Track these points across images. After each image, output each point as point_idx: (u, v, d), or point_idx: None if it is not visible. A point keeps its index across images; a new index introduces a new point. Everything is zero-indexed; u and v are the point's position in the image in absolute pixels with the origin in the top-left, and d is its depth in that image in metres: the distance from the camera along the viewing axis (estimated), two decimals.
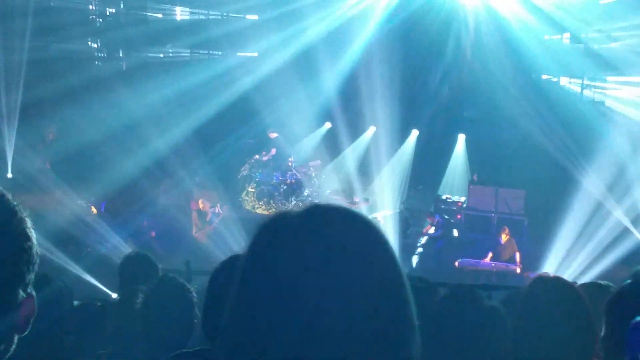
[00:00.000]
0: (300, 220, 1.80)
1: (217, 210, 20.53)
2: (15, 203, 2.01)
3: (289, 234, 1.77)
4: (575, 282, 5.66)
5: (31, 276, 2.01)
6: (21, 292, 1.99)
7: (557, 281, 5.22)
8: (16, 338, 2.04)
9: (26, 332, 2.06)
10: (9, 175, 19.43)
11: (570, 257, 16.98)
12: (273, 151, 22.36)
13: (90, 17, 22.73)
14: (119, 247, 16.03)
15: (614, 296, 3.47)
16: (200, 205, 19.72)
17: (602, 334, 3.50)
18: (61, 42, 21.57)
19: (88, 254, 15.97)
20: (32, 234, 2.03)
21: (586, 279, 14.07)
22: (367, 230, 1.81)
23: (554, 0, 20.39)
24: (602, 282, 5.78)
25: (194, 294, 4.97)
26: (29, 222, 2.01)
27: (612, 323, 3.41)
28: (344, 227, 1.79)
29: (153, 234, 18.76)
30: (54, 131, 20.93)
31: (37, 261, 2.04)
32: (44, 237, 14.62)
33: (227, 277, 1.90)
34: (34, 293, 2.05)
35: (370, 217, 1.85)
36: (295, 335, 1.71)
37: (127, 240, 16.93)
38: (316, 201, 14.10)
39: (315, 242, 1.74)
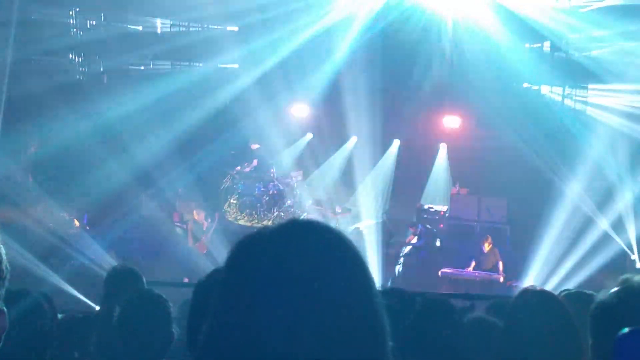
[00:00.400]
0: (275, 236, 1.84)
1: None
2: None
3: (264, 250, 1.81)
4: (556, 292, 5.68)
5: (1, 291, 2.01)
6: None
7: (543, 294, 5.25)
8: None
9: None
10: None
11: (553, 265, 17.04)
12: (255, 162, 22.39)
13: (71, 29, 22.69)
14: (102, 259, 15.98)
15: (600, 305, 3.46)
16: (195, 216, 19.74)
17: (590, 342, 3.49)
18: (42, 55, 21.53)
19: (71, 267, 15.91)
20: (1, 249, 2.03)
21: (569, 286, 14.13)
22: (340, 246, 1.86)
23: (534, 9, 20.45)
24: (587, 291, 5.82)
25: (171, 306, 4.97)
26: None
27: (600, 333, 3.39)
28: (317, 243, 1.83)
29: (136, 245, 18.72)
30: (36, 144, 20.88)
31: (7, 276, 2.04)
32: (26, 249, 14.64)
33: (209, 292, 1.91)
34: (4, 308, 2.05)
35: (345, 231, 1.87)
36: (271, 349, 1.73)
37: (109, 251, 16.89)
38: (295, 215, 14.24)
39: (289, 258, 1.78)
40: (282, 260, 1.78)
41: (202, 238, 19.39)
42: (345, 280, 1.80)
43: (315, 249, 1.81)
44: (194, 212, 19.85)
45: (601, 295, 3.41)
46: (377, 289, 1.89)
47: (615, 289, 3.34)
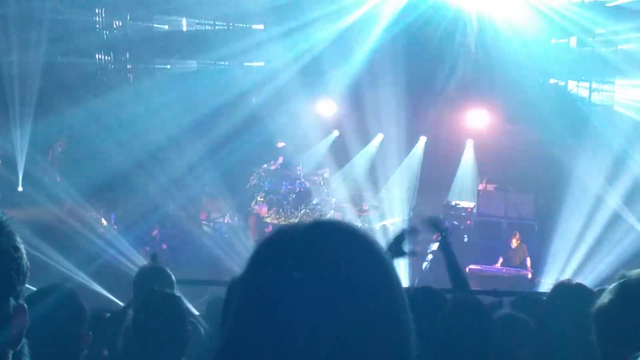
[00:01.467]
0: (298, 237, 1.83)
1: (226, 220, 20.59)
2: (3, 217, 2.04)
3: (287, 251, 1.80)
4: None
5: (22, 287, 2.03)
6: (12, 301, 2.00)
7: (579, 288, 5.20)
8: (10, 354, 2.04)
9: (18, 347, 2.07)
10: (20, 188, 19.51)
11: (580, 261, 16.97)
12: (280, 160, 22.38)
13: (98, 29, 22.82)
14: (131, 257, 16.05)
15: (598, 306, 3.35)
16: (259, 211, 19.87)
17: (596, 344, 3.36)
18: (69, 54, 21.66)
19: (99, 265, 15.99)
20: (21, 246, 2.05)
21: (595, 280, 14.08)
22: (365, 248, 1.84)
23: (559, 4, 20.36)
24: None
25: (186, 303, 4.97)
26: (17, 236, 2.03)
27: (600, 334, 3.27)
28: (341, 245, 1.82)
29: (164, 246, 18.77)
30: (63, 142, 21.01)
31: (28, 274, 2.06)
32: (53, 247, 14.74)
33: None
34: (25, 305, 2.07)
35: (371, 229, 1.87)
36: (292, 352, 1.72)
37: (138, 250, 16.95)
38: (321, 213, 14.18)
39: (312, 260, 1.77)
40: (305, 262, 1.76)
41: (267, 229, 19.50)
42: (369, 283, 1.79)
43: (338, 251, 1.79)
44: (255, 207, 20.01)
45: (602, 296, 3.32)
46: (405, 287, 1.88)
47: (613, 285, 3.26)
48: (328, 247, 1.80)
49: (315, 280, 1.74)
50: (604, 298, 3.22)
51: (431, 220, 7.28)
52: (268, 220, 21.42)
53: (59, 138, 21.03)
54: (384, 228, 19.75)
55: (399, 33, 21.78)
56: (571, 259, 17.11)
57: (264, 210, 20.16)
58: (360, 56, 22.12)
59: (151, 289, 5.89)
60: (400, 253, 6.40)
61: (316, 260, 1.76)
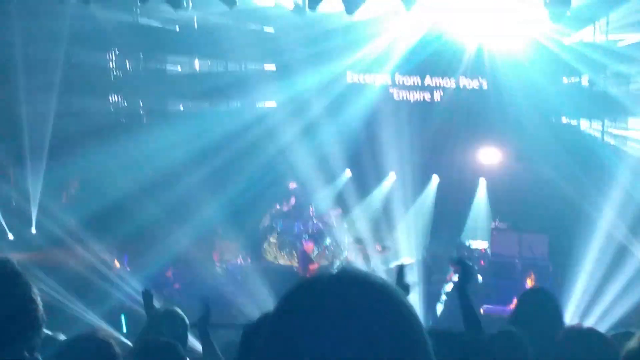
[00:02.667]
0: (327, 291, 1.82)
1: (239, 261, 20.58)
2: (19, 269, 2.03)
3: (316, 305, 1.79)
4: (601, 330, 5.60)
5: (37, 340, 2.03)
6: (26, 354, 2.00)
7: (591, 333, 5.17)
8: None
9: None
10: (33, 230, 19.56)
11: (596, 302, 16.87)
12: (292, 200, 22.39)
13: (110, 70, 22.97)
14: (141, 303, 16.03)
15: (628, 352, 3.36)
16: (306, 247, 19.92)
17: None
18: (82, 96, 21.78)
19: (113, 309, 15.99)
20: (37, 298, 2.05)
21: (611, 323, 14.01)
22: (392, 303, 1.83)
23: (570, 44, 20.42)
24: (633, 331, 5.71)
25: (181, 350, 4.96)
26: (34, 288, 2.03)
27: None
28: (368, 300, 1.80)
29: (177, 285, 18.75)
30: (76, 184, 21.08)
31: (43, 325, 2.05)
32: (67, 289, 14.76)
33: (257, 337, 1.91)
34: (39, 358, 2.06)
35: (395, 287, 1.85)
36: None
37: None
38: (334, 254, 14.09)
39: (340, 315, 1.75)
40: (333, 317, 1.75)
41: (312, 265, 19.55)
42: (398, 341, 1.77)
43: (364, 306, 1.78)
44: (305, 244, 20.09)
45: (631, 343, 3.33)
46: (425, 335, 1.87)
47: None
48: (356, 303, 1.78)
49: (345, 336, 1.72)
50: (634, 342, 3.24)
51: (458, 261, 7.15)
52: (281, 261, 21.42)
53: (72, 180, 21.11)
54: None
55: (411, 70, 21.89)
56: (587, 300, 17.01)
57: (310, 246, 20.14)
58: (372, 94, 22.20)
59: (147, 338, 5.88)
60: (405, 289, 6.36)
61: (345, 316, 1.75)
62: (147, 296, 8.17)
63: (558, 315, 6.53)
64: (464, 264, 6.88)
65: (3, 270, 2.09)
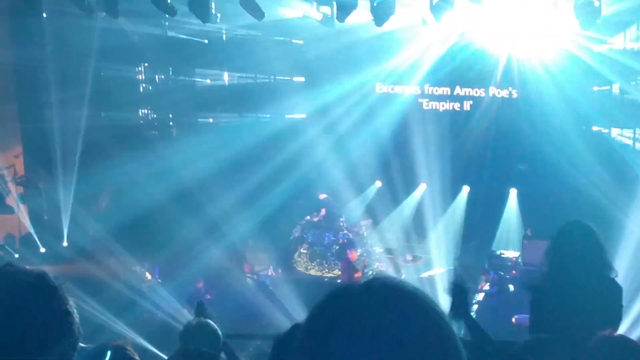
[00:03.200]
0: (361, 301, 1.79)
1: (270, 273, 20.61)
2: (55, 282, 2.05)
3: (349, 315, 1.76)
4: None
5: (72, 352, 2.04)
6: None
7: (622, 340, 5.13)
8: None
9: None
10: (65, 243, 19.66)
11: (627, 311, 16.72)
12: (323, 212, 22.40)
13: (140, 84, 23.10)
14: (177, 312, 16.10)
15: None
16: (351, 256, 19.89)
17: None
18: (112, 109, 21.91)
19: (145, 320, 16.05)
20: (74, 310, 2.06)
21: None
22: (426, 313, 1.81)
23: (600, 52, 20.31)
24: None
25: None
26: (70, 300, 2.04)
27: None
28: (402, 309, 1.77)
29: (208, 297, 18.80)
30: (107, 197, 21.19)
31: (80, 338, 2.06)
32: (100, 303, 14.82)
33: (288, 348, 1.89)
34: None
35: (428, 295, 1.82)
36: None
37: (183, 305, 17.00)
38: (365, 264, 14.08)
39: (375, 325, 1.73)
40: (364, 327, 1.73)
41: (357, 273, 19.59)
42: (431, 352, 1.74)
43: (400, 318, 1.75)
44: (351, 253, 20.04)
45: None
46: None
47: None
48: (385, 313, 1.75)
49: (372, 346, 1.70)
50: None
51: (453, 284, 6.61)
52: (312, 272, 21.42)
53: (103, 192, 21.22)
54: (430, 278, 19.64)
55: (441, 80, 21.87)
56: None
57: (354, 254, 20.14)
58: (401, 104, 22.19)
59: (188, 348, 5.89)
60: (462, 313, 6.18)
61: (379, 326, 1.72)
62: (200, 307, 8.15)
63: (599, 248, 6.64)
64: (457, 288, 6.48)
65: (39, 283, 2.11)
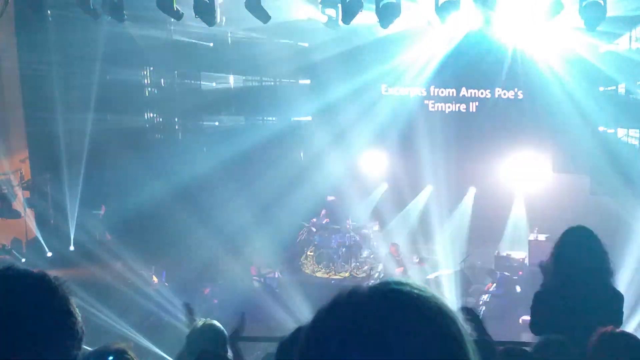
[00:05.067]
0: (368, 305, 1.75)
1: (277, 275, 20.59)
2: (56, 282, 2.05)
3: (354, 320, 1.72)
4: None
5: (76, 352, 2.04)
6: None
7: (624, 336, 5.14)
8: None
9: None
10: (71, 247, 19.69)
11: (635, 313, 16.70)
12: (330, 214, 22.40)
13: (145, 87, 23.13)
14: (182, 315, 16.08)
15: None
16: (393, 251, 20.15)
17: None
18: (118, 113, 21.94)
19: (151, 324, 16.05)
20: (76, 310, 2.06)
21: None
22: (439, 315, 1.75)
23: (606, 52, 20.27)
24: None
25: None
26: (72, 300, 2.05)
27: None
28: (410, 312, 1.73)
29: (215, 300, 18.79)
30: (113, 201, 21.22)
31: (82, 338, 2.06)
32: (105, 306, 14.83)
33: (292, 351, 1.86)
34: None
35: (440, 298, 1.77)
36: None
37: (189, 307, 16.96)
38: (372, 265, 14.01)
39: (382, 330, 1.68)
40: (370, 331, 1.68)
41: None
42: (442, 354, 1.70)
43: (408, 322, 1.70)
44: (391, 247, 20.26)
45: None
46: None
47: None
48: (391, 317, 1.71)
49: (377, 351, 1.66)
50: None
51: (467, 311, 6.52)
52: (319, 274, 21.41)
53: (109, 196, 21.24)
54: (437, 279, 19.62)
55: (447, 82, 21.84)
56: (625, 314, 16.79)
57: (393, 248, 20.28)
58: (408, 105, 22.14)
59: (203, 349, 5.89)
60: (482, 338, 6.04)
61: (378, 330, 1.68)
62: (188, 309, 8.18)
63: (600, 251, 6.67)
64: (470, 314, 6.36)
65: (39, 284, 2.11)
